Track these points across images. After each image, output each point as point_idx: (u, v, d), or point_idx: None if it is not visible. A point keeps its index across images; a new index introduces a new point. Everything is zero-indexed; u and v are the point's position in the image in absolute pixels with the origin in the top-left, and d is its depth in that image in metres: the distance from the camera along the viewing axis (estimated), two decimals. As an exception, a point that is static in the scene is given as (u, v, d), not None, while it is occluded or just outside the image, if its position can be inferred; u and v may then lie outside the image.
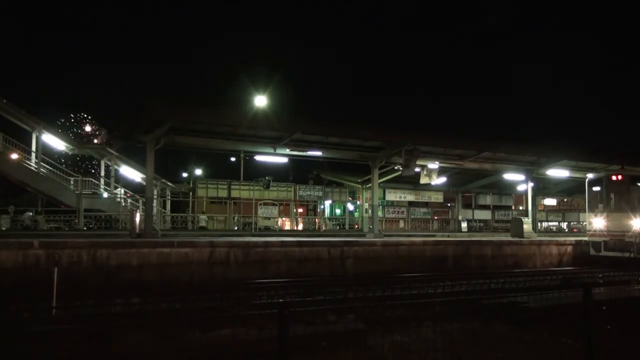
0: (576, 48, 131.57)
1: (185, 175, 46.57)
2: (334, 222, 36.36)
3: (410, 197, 33.88)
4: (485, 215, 36.67)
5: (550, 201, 38.88)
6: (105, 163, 33.67)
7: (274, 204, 30.46)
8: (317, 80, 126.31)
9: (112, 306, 9.09)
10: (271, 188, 30.42)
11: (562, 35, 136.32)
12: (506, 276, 15.70)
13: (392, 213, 33.47)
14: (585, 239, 20.61)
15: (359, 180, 29.78)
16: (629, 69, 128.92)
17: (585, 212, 22.73)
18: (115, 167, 33.51)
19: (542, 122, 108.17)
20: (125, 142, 21.22)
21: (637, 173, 21.53)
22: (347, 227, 33.73)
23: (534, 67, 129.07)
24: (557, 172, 26.86)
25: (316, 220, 36.46)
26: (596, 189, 20.35)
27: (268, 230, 28.54)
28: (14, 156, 26.85)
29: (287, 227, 33.60)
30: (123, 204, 30.08)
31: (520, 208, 38.17)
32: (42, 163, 27.65)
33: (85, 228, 26.10)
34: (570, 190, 35.04)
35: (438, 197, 34.89)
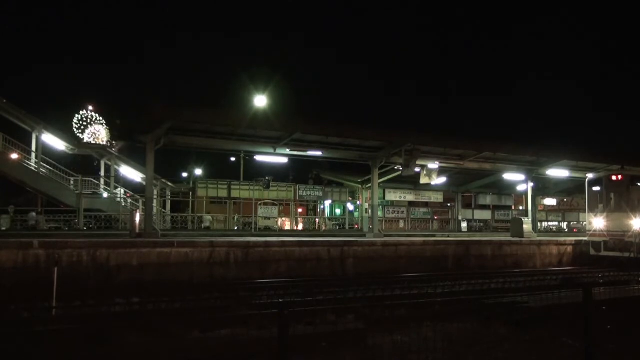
0: (576, 48, 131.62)
1: (185, 175, 46.54)
2: (334, 222, 36.37)
3: (410, 197, 33.86)
4: (485, 215, 36.65)
5: (550, 201, 38.87)
6: (105, 163, 33.69)
7: (274, 204, 30.47)
8: (317, 80, 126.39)
9: (112, 306, 9.10)
10: (271, 188, 30.42)
11: (562, 35, 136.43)
12: (506, 276, 15.71)
13: (392, 213, 33.44)
14: (585, 239, 20.61)
15: (359, 180, 29.77)
16: (629, 69, 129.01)
17: (585, 212, 22.73)
18: (115, 167, 33.53)
19: (542, 122, 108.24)
20: (126, 142, 21.24)
21: (637, 173, 21.53)
22: (347, 227, 33.74)
23: (533, 67, 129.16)
24: (557, 172, 26.86)
25: (316, 220, 36.47)
26: (596, 189, 20.36)
27: (268, 230, 28.56)
28: (14, 156, 26.86)
29: (287, 227, 33.61)
30: (123, 204, 30.09)
31: (520, 208, 38.16)
32: (42, 163, 27.67)
33: (85, 228, 26.10)
34: (570, 190, 35.02)
35: (438, 197, 34.88)
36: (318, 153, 22.11)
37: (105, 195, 30.82)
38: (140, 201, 28.45)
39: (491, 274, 16.15)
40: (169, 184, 36.85)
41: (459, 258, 18.59)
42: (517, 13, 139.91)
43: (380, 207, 30.36)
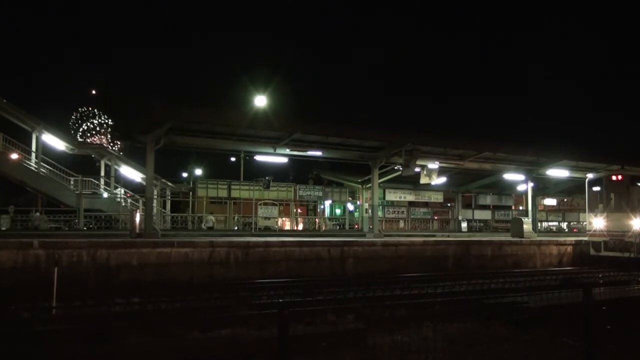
0: (576, 48, 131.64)
1: (185, 175, 46.54)
2: (334, 222, 36.37)
3: (410, 197, 33.85)
4: (485, 215, 36.64)
5: (550, 201, 38.86)
6: (105, 163, 33.67)
7: (274, 204, 30.46)
8: (317, 80, 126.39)
9: (112, 306, 9.10)
10: (271, 188, 30.41)
11: (562, 35, 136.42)
12: (506, 276, 15.70)
13: (392, 213, 33.44)
14: (585, 239, 20.60)
15: (359, 180, 29.77)
16: (629, 68, 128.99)
17: (585, 212, 22.73)
18: (115, 167, 33.52)
19: (543, 122, 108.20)
20: (126, 142, 21.25)
21: (637, 173, 21.53)
22: (347, 227, 33.73)
23: (533, 67, 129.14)
24: (557, 172, 26.86)
25: (316, 220, 36.47)
26: (596, 189, 20.36)
27: (268, 230, 28.55)
28: (14, 156, 26.85)
29: (287, 227, 33.61)
30: (123, 204, 30.08)
31: (520, 208, 38.15)
32: (42, 163, 27.66)
33: (85, 228, 26.09)
34: (570, 190, 35.00)
35: (438, 197, 34.88)
36: (318, 153, 22.11)
37: (105, 195, 30.81)
38: (140, 201, 28.43)
39: (491, 274, 16.14)
40: (169, 184, 36.84)
41: (459, 258, 18.59)
42: (517, 13, 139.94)
43: (380, 207, 30.36)
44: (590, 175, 21.74)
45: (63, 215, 28.12)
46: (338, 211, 39.14)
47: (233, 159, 32.85)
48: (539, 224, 32.85)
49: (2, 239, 13.60)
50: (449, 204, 37.12)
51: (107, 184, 32.60)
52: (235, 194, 30.67)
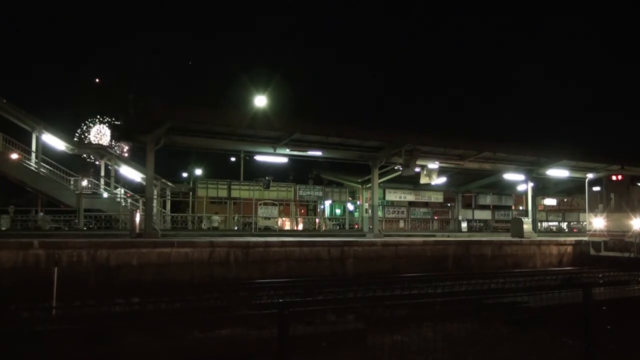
0: (575, 47, 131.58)
1: (185, 175, 46.56)
2: (334, 222, 36.36)
3: (410, 197, 33.84)
4: (485, 215, 36.64)
5: (550, 201, 38.84)
6: (105, 163, 33.68)
7: (274, 204, 30.46)
8: (317, 80, 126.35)
9: (112, 306, 9.11)
10: (271, 188, 30.39)
11: (561, 35, 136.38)
12: (506, 276, 15.71)
13: (392, 213, 33.43)
14: (585, 239, 20.60)
15: (359, 180, 29.77)
16: (630, 68, 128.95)
17: (585, 212, 22.73)
18: (115, 167, 33.51)
19: (542, 122, 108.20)
20: (126, 142, 21.27)
21: (637, 173, 21.54)
22: (347, 227, 33.73)
23: (533, 67, 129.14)
24: (557, 172, 26.86)
25: (316, 220, 36.46)
26: (596, 189, 20.36)
27: (268, 230, 28.55)
28: (14, 156, 26.85)
29: (287, 227, 33.61)
30: (123, 204, 30.08)
31: (520, 208, 38.15)
32: (42, 163, 27.66)
33: (85, 228, 26.09)
34: (570, 190, 35.00)
35: (438, 197, 34.86)
36: (318, 153, 22.10)
37: (105, 195, 30.81)
38: (140, 201, 28.44)
39: (491, 274, 16.15)
40: (169, 184, 36.84)
41: (458, 258, 18.59)
42: (518, 13, 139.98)
43: (380, 207, 30.36)
44: (590, 175, 21.74)
45: (63, 215, 28.12)
46: (338, 211, 39.13)
47: (233, 159, 32.84)
48: (539, 224, 32.84)
49: (2, 239, 13.60)
50: (449, 204, 37.12)
51: (107, 184, 32.62)
52: (235, 194, 30.66)
